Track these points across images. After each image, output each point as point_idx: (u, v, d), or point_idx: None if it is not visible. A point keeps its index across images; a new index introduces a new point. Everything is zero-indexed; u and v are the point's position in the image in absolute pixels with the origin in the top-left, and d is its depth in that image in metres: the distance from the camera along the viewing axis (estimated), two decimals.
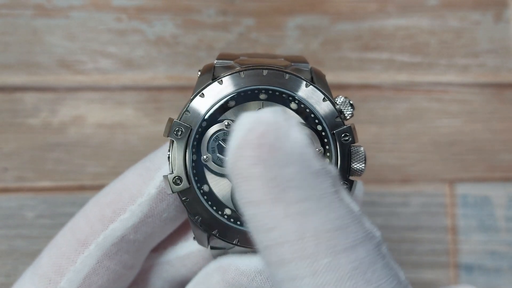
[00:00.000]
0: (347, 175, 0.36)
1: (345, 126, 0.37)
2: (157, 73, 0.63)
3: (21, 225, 0.60)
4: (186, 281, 0.40)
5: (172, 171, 0.36)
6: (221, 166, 0.37)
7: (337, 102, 0.37)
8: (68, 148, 0.61)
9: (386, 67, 0.64)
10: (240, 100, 0.37)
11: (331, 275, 0.26)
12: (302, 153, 0.27)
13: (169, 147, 0.37)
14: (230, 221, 0.36)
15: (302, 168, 0.26)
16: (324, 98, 0.37)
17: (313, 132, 0.37)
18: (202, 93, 0.37)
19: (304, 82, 0.37)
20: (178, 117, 0.37)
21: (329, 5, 0.65)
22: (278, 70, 0.37)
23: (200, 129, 0.37)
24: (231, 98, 0.37)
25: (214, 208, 0.36)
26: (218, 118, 0.37)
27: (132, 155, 0.61)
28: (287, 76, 0.37)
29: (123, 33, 0.63)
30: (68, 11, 0.63)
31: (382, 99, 0.65)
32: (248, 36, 0.64)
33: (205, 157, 0.37)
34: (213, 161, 0.37)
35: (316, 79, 0.38)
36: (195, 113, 0.37)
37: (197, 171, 0.37)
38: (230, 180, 0.36)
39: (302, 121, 0.37)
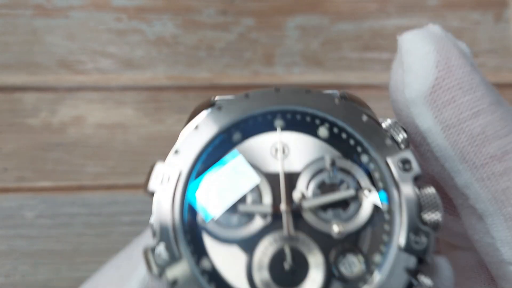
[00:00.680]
0: (418, 231, 0.26)
1: (403, 151, 0.27)
2: (157, 73, 0.63)
3: (21, 225, 0.60)
4: None
5: (155, 240, 0.25)
6: (228, 227, 0.27)
7: (385, 126, 0.28)
8: (68, 148, 0.61)
9: (386, 67, 0.64)
10: (248, 131, 0.28)
11: None
12: None
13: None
14: None
15: None
16: (365, 116, 0.28)
17: (357, 166, 0.28)
18: (196, 125, 0.28)
19: (335, 98, 0.28)
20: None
21: (329, 5, 0.65)
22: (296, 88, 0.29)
23: (193, 174, 0.27)
24: (235, 129, 0.28)
25: None
26: (220, 158, 0.28)
27: (132, 155, 0.61)
28: (309, 93, 0.28)
29: (123, 33, 0.63)
30: (68, 11, 0.63)
31: (382, 99, 0.64)
32: (248, 36, 0.64)
33: (202, 215, 0.27)
34: (215, 221, 0.27)
35: (349, 97, 0.29)
36: (187, 153, 0.27)
37: (192, 236, 0.26)
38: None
39: (338, 153, 0.28)
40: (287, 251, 0.27)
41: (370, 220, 0.27)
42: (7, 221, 0.60)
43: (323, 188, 0.28)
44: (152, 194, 0.26)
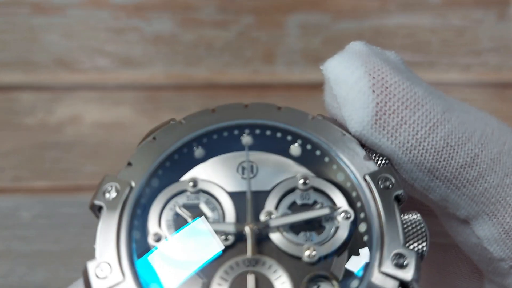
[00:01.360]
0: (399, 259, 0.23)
1: (383, 168, 0.24)
2: (155, 71, 0.62)
3: (18, 226, 0.60)
4: None
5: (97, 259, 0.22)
6: (183, 249, 0.24)
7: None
8: (65, 148, 0.61)
9: None
10: (211, 148, 0.26)
11: None
12: None
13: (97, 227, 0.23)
14: None
15: None
16: (340, 132, 0.26)
17: (331, 185, 0.25)
18: (154, 136, 0.25)
19: (308, 115, 0.26)
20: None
21: (330, 3, 0.65)
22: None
23: (147, 190, 0.24)
24: (197, 143, 0.25)
25: None
26: (179, 174, 0.25)
27: (130, 155, 0.61)
28: (280, 108, 0.26)
29: (121, 32, 0.63)
30: (65, 9, 0.63)
31: None
32: (248, 34, 0.64)
33: (154, 236, 0.24)
34: (168, 243, 0.24)
35: (324, 117, 0.27)
36: (142, 166, 0.25)
37: (141, 259, 0.23)
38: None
39: (310, 173, 0.26)
40: (250, 278, 0.24)
41: (347, 243, 0.24)
42: (3, 222, 0.59)
43: (294, 208, 0.25)
44: (98, 211, 0.24)
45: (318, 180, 0.26)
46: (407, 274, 0.22)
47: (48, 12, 0.63)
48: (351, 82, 0.25)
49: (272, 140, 0.26)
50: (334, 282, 0.24)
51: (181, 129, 0.25)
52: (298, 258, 0.24)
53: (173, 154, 0.25)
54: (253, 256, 0.24)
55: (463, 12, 0.66)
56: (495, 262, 0.27)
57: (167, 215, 0.25)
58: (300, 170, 0.26)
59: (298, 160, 0.26)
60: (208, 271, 0.24)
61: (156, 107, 0.62)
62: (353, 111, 0.25)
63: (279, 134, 0.26)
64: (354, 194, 0.25)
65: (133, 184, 0.24)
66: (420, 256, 0.23)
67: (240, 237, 0.24)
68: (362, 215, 0.24)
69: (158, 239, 0.24)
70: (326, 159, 0.25)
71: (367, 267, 0.23)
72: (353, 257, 0.24)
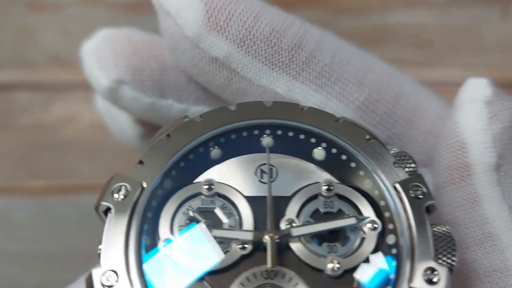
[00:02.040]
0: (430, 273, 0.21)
1: (414, 175, 0.22)
2: None
3: (13, 226, 0.59)
4: None
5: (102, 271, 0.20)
6: (196, 257, 0.22)
7: (390, 153, 0.23)
8: (61, 148, 0.60)
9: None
10: (229, 148, 0.24)
11: None
12: None
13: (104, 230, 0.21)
14: None
15: None
16: (368, 135, 0.23)
17: (357, 192, 0.23)
18: (168, 134, 0.23)
19: (334, 116, 0.24)
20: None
21: (333, 0, 0.65)
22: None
23: (159, 192, 0.23)
24: (214, 143, 0.23)
25: None
26: (193, 176, 0.23)
27: (127, 155, 0.60)
28: (305, 108, 0.24)
29: None
30: (61, 7, 0.62)
31: None
32: None
33: (165, 242, 0.22)
34: (180, 251, 0.22)
35: (350, 121, 0.25)
36: (154, 165, 0.22)
37: (150, 267, 0.21)
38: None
39: (335, 179, 0.24)
40: None
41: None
42: None
43: (317, 217, 0.24)
44: (105, 212, 0.22)
45: (343, 187, 0.24)
46: None
47: (44, 9, 0.62)
48: None
49: (295, 142, 0.24)
50: None
51: (197, 127, 0.24)
52: (320, 271, 0.23)
53: (188, 153, 0.23)
54: (272, 267, 0.22)
55: (466, 10, 0.66)
56: None
57: (180, 220, 0.23)
58: (323, 175, 0.24)
59: (321, 164, 0.25)
60: (224, 282, 0.22)
61: None
62: (187, 16, 0.28)
63: (302, 136, 0.24)
64: (382, 203, 0.23)
65: (144, 184, 0.22)
66: (450, 269, 0.22)
67: (258, 246, 0.23)
68: (390, 226, 0.23)
69: (170, 246, 0.22)
70: (353, 164, 0.24)
71: (396, 282, 0.22)
72: (380, 271, 0.23)
